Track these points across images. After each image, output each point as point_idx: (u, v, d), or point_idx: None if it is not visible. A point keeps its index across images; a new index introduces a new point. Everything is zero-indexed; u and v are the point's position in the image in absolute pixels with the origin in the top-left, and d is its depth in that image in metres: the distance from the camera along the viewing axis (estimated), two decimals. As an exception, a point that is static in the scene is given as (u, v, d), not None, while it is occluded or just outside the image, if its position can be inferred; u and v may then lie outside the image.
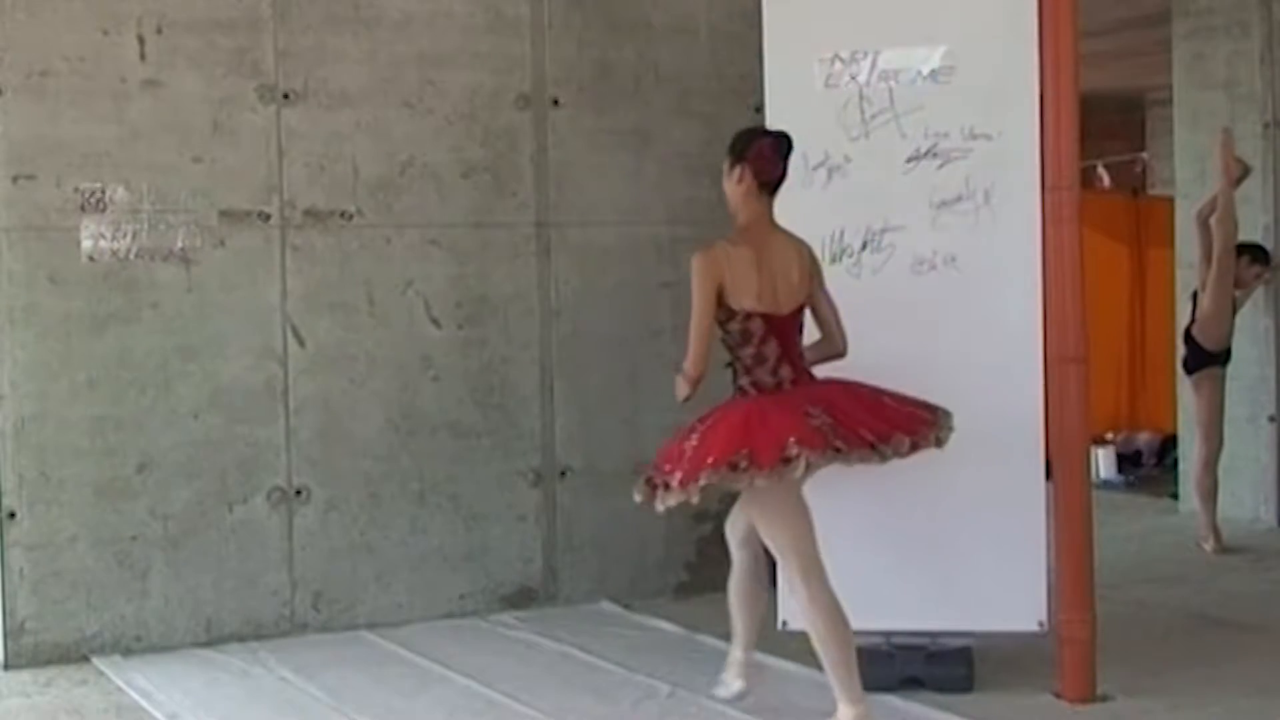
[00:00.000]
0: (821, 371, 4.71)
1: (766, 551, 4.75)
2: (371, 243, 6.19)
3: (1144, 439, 10.57)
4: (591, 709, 5.02)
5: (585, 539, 6.58)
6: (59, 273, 5.72)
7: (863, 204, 5.18)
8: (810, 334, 4.75)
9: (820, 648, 4.49)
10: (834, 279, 5.13)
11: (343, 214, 6.14)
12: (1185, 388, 8.01)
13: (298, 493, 6.07)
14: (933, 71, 5.14)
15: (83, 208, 5.74)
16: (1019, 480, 5.05)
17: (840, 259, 5.18)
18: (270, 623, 6.02)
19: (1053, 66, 4.91)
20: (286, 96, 6.03)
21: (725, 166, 4.62)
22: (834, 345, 4.73)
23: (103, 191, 5.77)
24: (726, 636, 5.54)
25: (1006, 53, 5.06)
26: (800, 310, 4.62)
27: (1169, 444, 9.78)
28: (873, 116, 5.17)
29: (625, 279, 6.59)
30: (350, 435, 6.16)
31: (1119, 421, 10.86)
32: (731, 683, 4.97)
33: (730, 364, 4.58)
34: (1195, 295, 7.68)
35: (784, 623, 5.16)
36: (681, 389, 4.54)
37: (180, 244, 5.88)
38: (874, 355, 5.07)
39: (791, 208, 5.18)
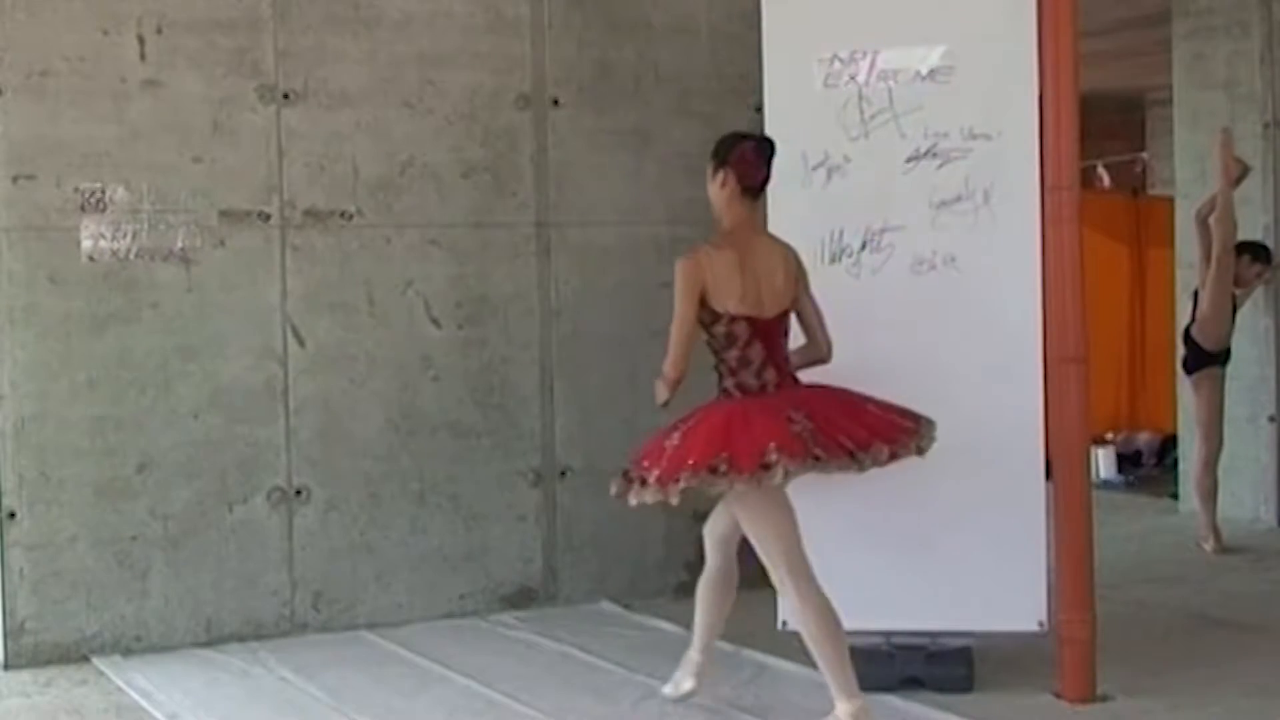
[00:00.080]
0: (808, 376, 4.72)
1: (742, 557, 4.77)
2: (371, 243, 6.19)
3: (1144, 439, 10.57)
4: (591, 709, 5.02)
5: (585, 539, 6.58)
6: (59, 273, 5.72)
7: (862, 204, 5.18)
8: (796, 338, 4.76)
9: (814, 646, 4.50)
10: (834, 279, 5.15)
11: (343, 214, 6.14)
12: (1185, 388, 8.01)
13: (298, 493, 6.07)
14: (932, 71, 5.14)
15: (83, 208, 5.74)
16: (1019, 480, 5.05)
17: (840, 259, 5.19)
18: (270, 623, 6.02)
19: (1053, 66, 4.91)
20: (286, 96, 6.03)
21: (709, 171, 4.64)
22: (818, 350, 4.75)
23: (103, 191, 5.77)
24: (727, 637, 5.55)
25: (1006, 53, 5.06)
26: (785, 314, 4.63)
27: (1169, 444, 9.78)
28: (872, 116, 5.17)
29: (625, 279, 6.59)
30: (350, 435, 6.16)
31: (1119, 421, 10.86)
32: (683, 681, 4.96)
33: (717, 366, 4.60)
34: (1196, 294, 7.68)
35: (784, 623, 5.16)
36: (661, 393, 4.58)
37: (180, 244, 5.89)
38: (874, 355, 5.08)
39: (791, 208, 5.20)
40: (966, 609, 5.09)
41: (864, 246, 5.18)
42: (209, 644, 5.88)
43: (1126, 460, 10.22)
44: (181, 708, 5.10)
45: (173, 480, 5.87)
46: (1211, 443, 7.60)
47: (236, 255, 5.97)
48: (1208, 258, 7.53)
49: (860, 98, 5.18)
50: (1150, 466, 10.27)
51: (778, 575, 4.52)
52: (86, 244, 5.75)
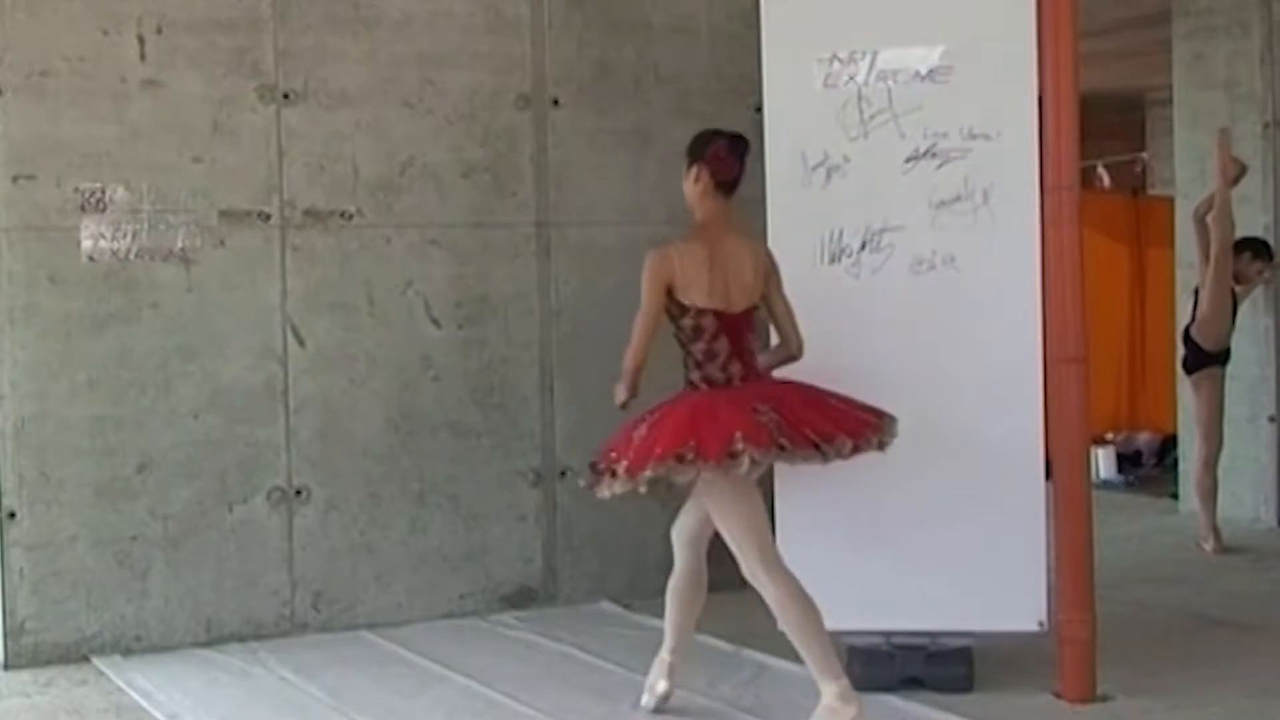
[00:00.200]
0: (800, 376, 4.74)
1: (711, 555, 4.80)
2: (371, 243, 6.19)
3: (1144, 439, 10.57)
4: (591, 709, 5.03)
5: (585, 539, 6.58)
6: (59, 273, 5.72)
7: (862, 204, 5.18)
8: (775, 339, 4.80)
9: (794, 632, 4.52)
10: (834, 279, 5.16)
11: (343, 214, 6.14)
12: (1185, 388, 8.01)
13: (298, 493, 6.08)
14: (931, 71, 5.14)
15: (83, 208, 5.74)
16: (1019, 480, 5.05)
17: (839, 259, 5.19)
18: (270, 623, 6.02)
19: (1053, 66, 4.91)
20: (286, 96, 6.03)
21: (684, 167, 4.73)
22: (789, 348, 4.81)
23: (103, 191, 5.77)
24: (727, 637, 5.57)
25: (1006, 53, 5.06)
26: (753, 309, 4.70)
27: (1169, 444, 9.78)
28: (871, 116, 5.17)
29: (625, 279, 6.51)
30: (350, 435, 6.16)
31: (1119, 421, 10.86)
32: (656, 684, 4.94)
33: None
34: (1196, 292, 7.68)
35: (784, 623, 5.17)
36: (619, 394, 4.65)
37: (180, 244, 5.89)
38: (873, 355, 5.09)
39: (791, 208, 5.21)
40: (966, 609, 5.09)
41: (863, 246, 5.18)
42: (209, 644, 5.88)
43: (1126, 460, 10.22)
44: (181, 708, 5.10)
45: (173, 480, 5.87)
46: (1211, 443, 7.60)
47: (236, 255, 5.97)
48: (1207, 257, 7.53)
49: (860, 98, 5.18)
50: (1150, 466, 10.28)
51: (749, 566, 4.56)
52: (86, 244, 5.75)
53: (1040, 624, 5.10)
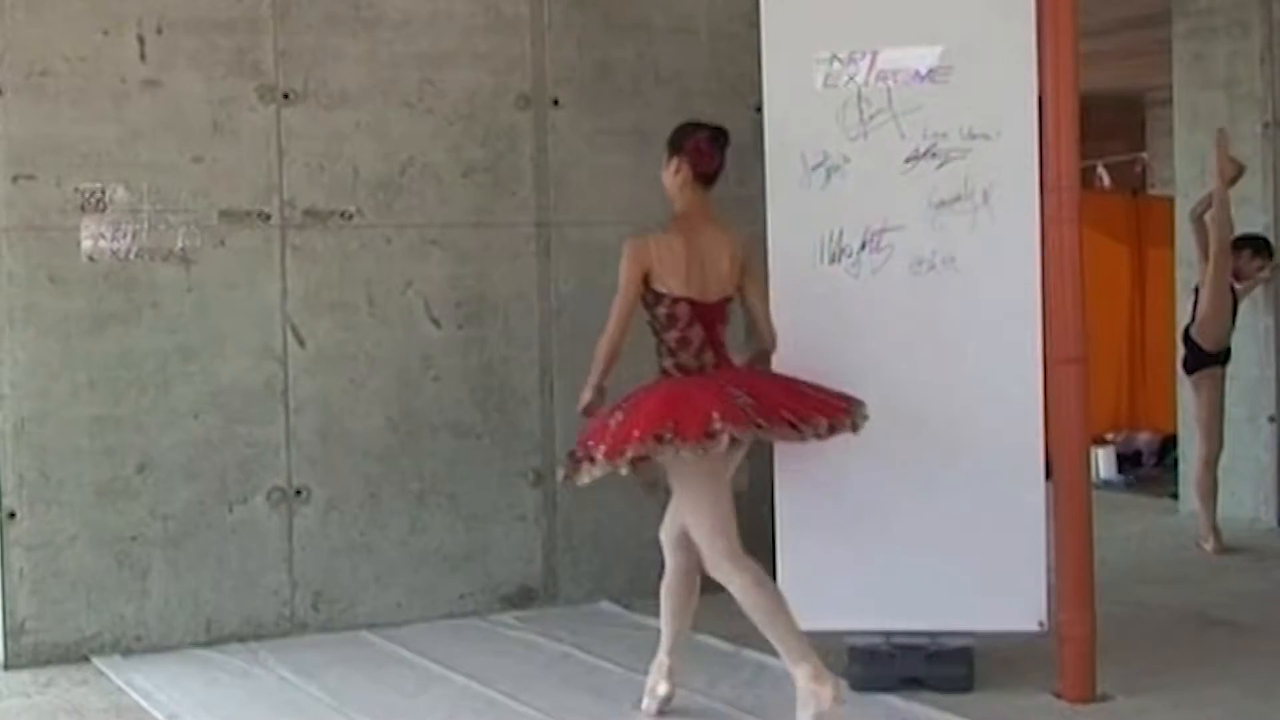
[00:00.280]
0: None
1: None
2: (371, 243, 6.19)
3: (1144, 439, 10.57)
4: (591, 709, 5.03)
5: (585, 539, 6.58)
6: (59, 273, 5.72)
7: (862, 204, 5.18)
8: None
9: (762, 618, 4.56)
10: (833, 279, 5.16)
11: (343, 214, 6.14)
12: (1185, 388, 8.01)
13: (298, 493, 6.08)
14: (931, 71, 5.14)
15: (83, 208, 5.75)
16: (1019, 480, 5.04)
17: (839, 259, 5.19)
18: (270, 623, 6.02)
19: (1053, 66, 4.91)
20: (286, 96, 6.04)
21: (664, 159, 4.82)
22: (760, 339, 4.89)
23: (103, 191, 5.77)
24: (727, 637, 5.56)
25: (1006, 53, 5.06)
26: (727, 300, 4.78)
27: (1169, 444, 9.78)
28: (871, 116, 5.17)
29: (625, 279, 6.58)
30: (350, 435, 6.16)
31: (1119, 421, 10.86)
32: (657, 686, 4.94)
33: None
34: (1196, 289, 7.68)
35: (784, 622, 5.17)
36: (585, 394, 4.72)
37: (180, 244, 5.89)
38: (873, 355, 5.09)
39: (791, 208, 5.21)
40: (966, 609, 5.09)
41: (863, 246, 5.18)
42: (209, 644, 5.88)
43: (1126, 460, 10.21)
44: (181, 708, 5.10)
45: (173, 480, 5.87)
46: (1212, 443, 7.60)
47: (236, 255, 5.97)
48: (1206, 255, 7.53)
49: (859, 98, 5.18)
50: (1150, 466, 10.27)
51: (714, 556, 4.61)
52: (86, 244, 5.75)
53: (1040, 624, 5.10)
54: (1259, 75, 8.12)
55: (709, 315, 4.71)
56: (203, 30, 5.90)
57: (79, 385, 5.74)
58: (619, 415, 4.55)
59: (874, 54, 5.16)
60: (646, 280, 4.68)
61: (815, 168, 5.21)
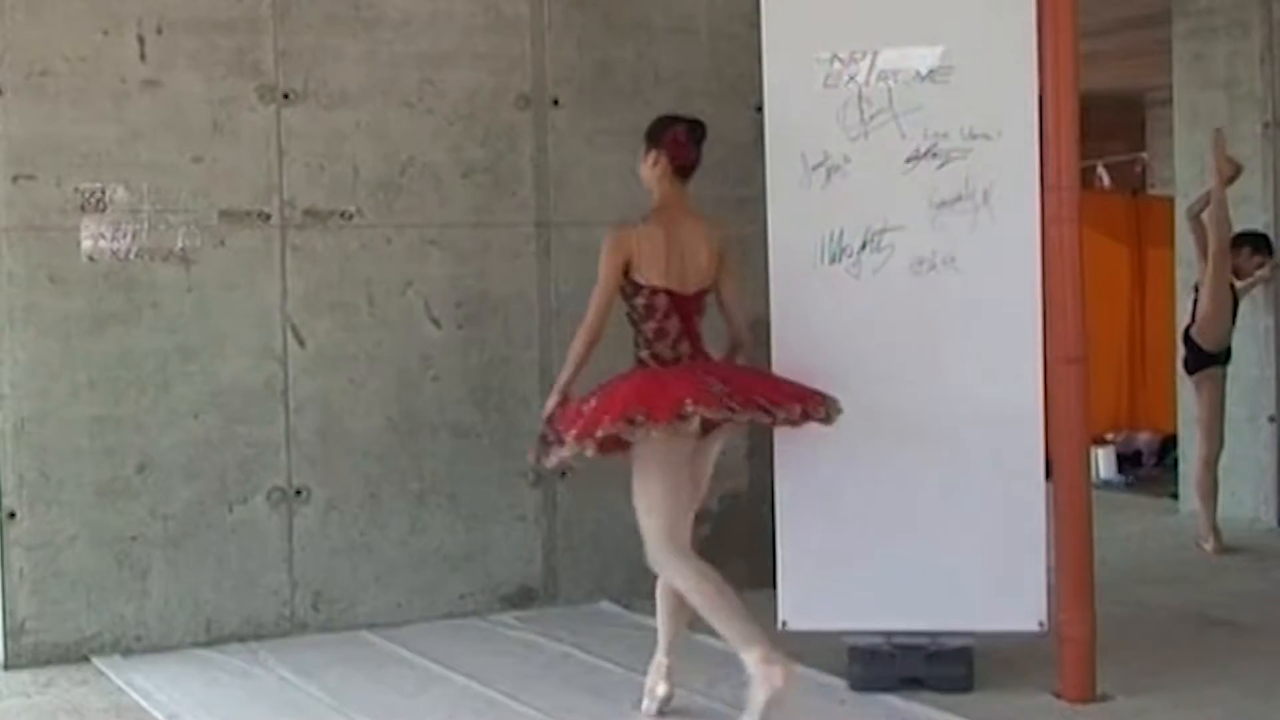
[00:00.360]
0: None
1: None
2: (371, 243, 6.19)
3: (1144, 439, 10.57)
4: (591, 709, 5.03)
5: (585, 539, 6.58)
6: (59, 273, 5.72)
7: (862, 204, 5.17)
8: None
9: (708, 606, 4.59)
10: (834, 279, 5.16)
11: (343, 214, 6.14)
12: (1186, 387, 8.01)
13: (298, 493, 6.08)
14: (932, 71, 5.14)
15: (83, 208, 5.74)
16: (1019, 480, 5.04)
17: (840, 259, 5.19)
18: (270, 623, 6.02)
19: (1053, 66, 4.91)
20: (286, 96, 6.03)
21: (641, 152, 4.88)
22: (735, 332, 4.95)
23: (103, 191, 5.77)
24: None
25: (1006, 52, 5.06)
26: (704, 292, 4.85)
27: (1169, 444, 9.78)
28: (872, 116, 5.17)
29: (625, 279, 6.58)
30: (350, 435, 6.16)
31: (1119, 421, 10.86)
32: (656, 687, 4.94)
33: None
34: (1196, 288, 7.68)
35: (784, 623, 5.17)
36: (550, 401, 4.78)
37: (180, 244, 5.89)
38: (873, 355, 5.09)
39: (791, 208, 5.21)
40: (966, 609, 5.09)
41: (864, 246, 5.18)
42: (209, 644, 5.88)
43: (1126, 460, 10.22)
44: (181, 708, 5.10)
45: (173, 480, 5.87)
46: (1212, 442, 7.60)
47: (236, 255, 5.97)
48: (1204, 254, 7.53)
49: (860, 98, 5.18)
50: (1150, 466, 10.28)
51: (653, 545, 4.66)
52: (86, 244, 5.75)
53: (1040, 624, 5.09)
54: (1259, 75, 8.12)
55: (686, 307, 4.78)
56: (203, 30, 5.90)
57: (79, 385, 5.73)
58: (592, 401, 4.62)
59: (875, 54, 5.16)
60: (626, 270, 4.74)
61: (816, 168, 5.21)
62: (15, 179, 5.66)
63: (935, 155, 5.13)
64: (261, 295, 6.01)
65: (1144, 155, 13.57)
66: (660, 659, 4.96)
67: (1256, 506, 8.10)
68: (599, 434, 4.47)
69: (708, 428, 4.66)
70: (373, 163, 6.18)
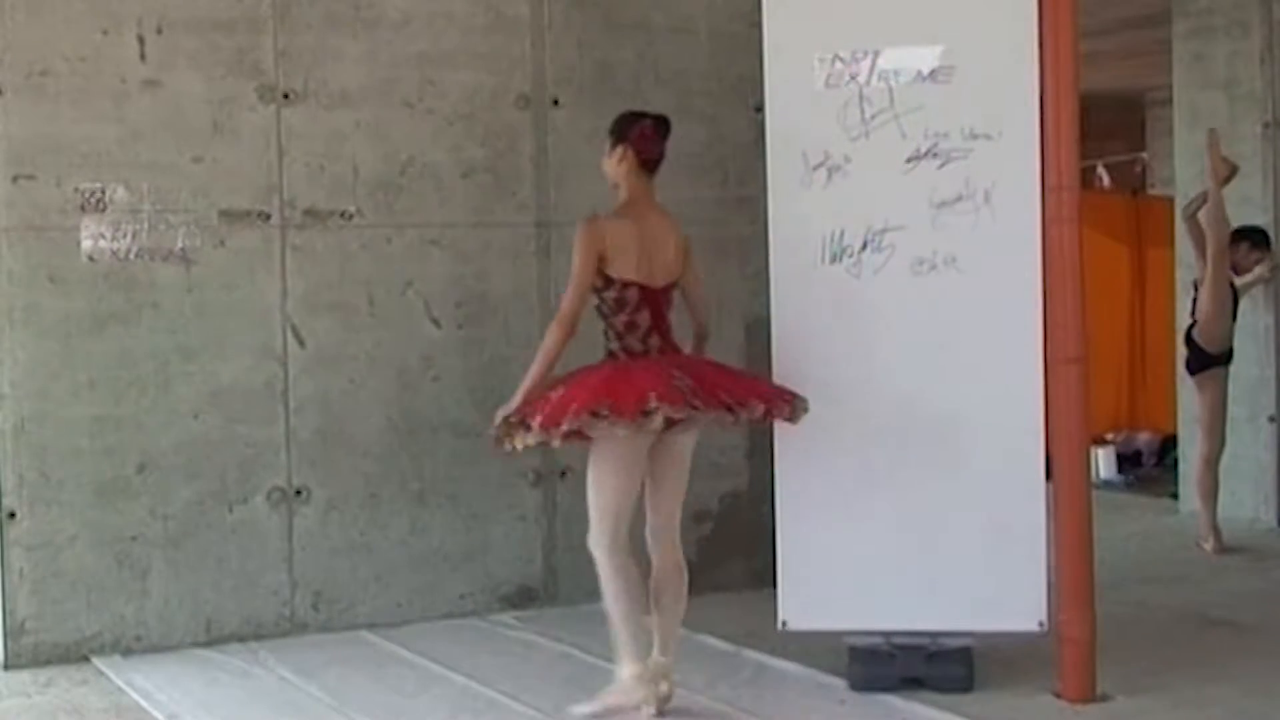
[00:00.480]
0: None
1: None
2: (371, 243, 6.19)
3: (1144, 439, 10.57)
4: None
5: (585, 539, 6.55)
6: (59, 273, 5.72)
7: (863, 204, 5.17)
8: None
9: (615, 606, 4.75)
10: (834, 279, 5.16)
11: (343, 214, 6.14)
12: (1186, 387, 8.01)
13: (298, 493, 6.08)
14: (933, 71, 5.14)
15: (83, 208, 5.74)
16: (1019, 480, 5.04)
17: (840, 259, 5.18)
18: (270, 623, 6.02)
19: (1053, 66, 4.91)
20: (286, 96, 6.03)
21: (607, 147, 4.93)
22: (699, 326, 5.03)
23: (103, 191, 5.77)
24: (727, 637, 5.57)
25: (1006, 52, 5.06)
26: (673, 286, 4.91)
27: (1169, 444, 9.78)
28: (873, 116, 5.17)
29: (625, 279, 6.57)
30: (350, 435, 6.16)
31: (1119, 421, 10.86)
32: (657, 687, 4.90)
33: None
34: (1196, 286, 7.67)
35: (784, 623, 5.17)
36: (513, 401, 4.75)
37: (180, 244, 5.89)
38: (874, 355, 5.09)
39: (791, 208, 5.20)
40: (966, 609, 5.09)
41: (864, 246, 5.18)
42: (209, 644, 5.88)
43: (1126, 460, 10.22)
44: (181, 708, 5.10)
45: (173, 480, 5.87)
46: (1213, 442, 7.60)
47: (236, 255, 5.97)
48: (1202, 253, 7.53)
49: (861, 97, 5.18)
50: (1150, 466, 10.28)
51: (596, 535, 4.76)
52: (86, 244, 5.75)
53: (1040, 624, 5.09)
54: (1259, 75, 8.13)
55: (656, 300, 4.83)
56: (203, 30, 5.90)
57: (79, 385, 5.73)
58: (560, 389, 4.66)
59: (875, 54, 5.16)
60: (599, 264, 4.76)
61: (816, 167, 5.21)
62: (15, 179, 5.65)
63: (936, 155, 5.13)
64: (261, 295, 6.01)
65: (1144, 155, 13.57)
66: (657, 658, 4.95)
67: (1256, 506, 8.10)
68: (564, 426, 4.52)
69: (670, 424, 4.67)
70: (373, 163, 6.18)
